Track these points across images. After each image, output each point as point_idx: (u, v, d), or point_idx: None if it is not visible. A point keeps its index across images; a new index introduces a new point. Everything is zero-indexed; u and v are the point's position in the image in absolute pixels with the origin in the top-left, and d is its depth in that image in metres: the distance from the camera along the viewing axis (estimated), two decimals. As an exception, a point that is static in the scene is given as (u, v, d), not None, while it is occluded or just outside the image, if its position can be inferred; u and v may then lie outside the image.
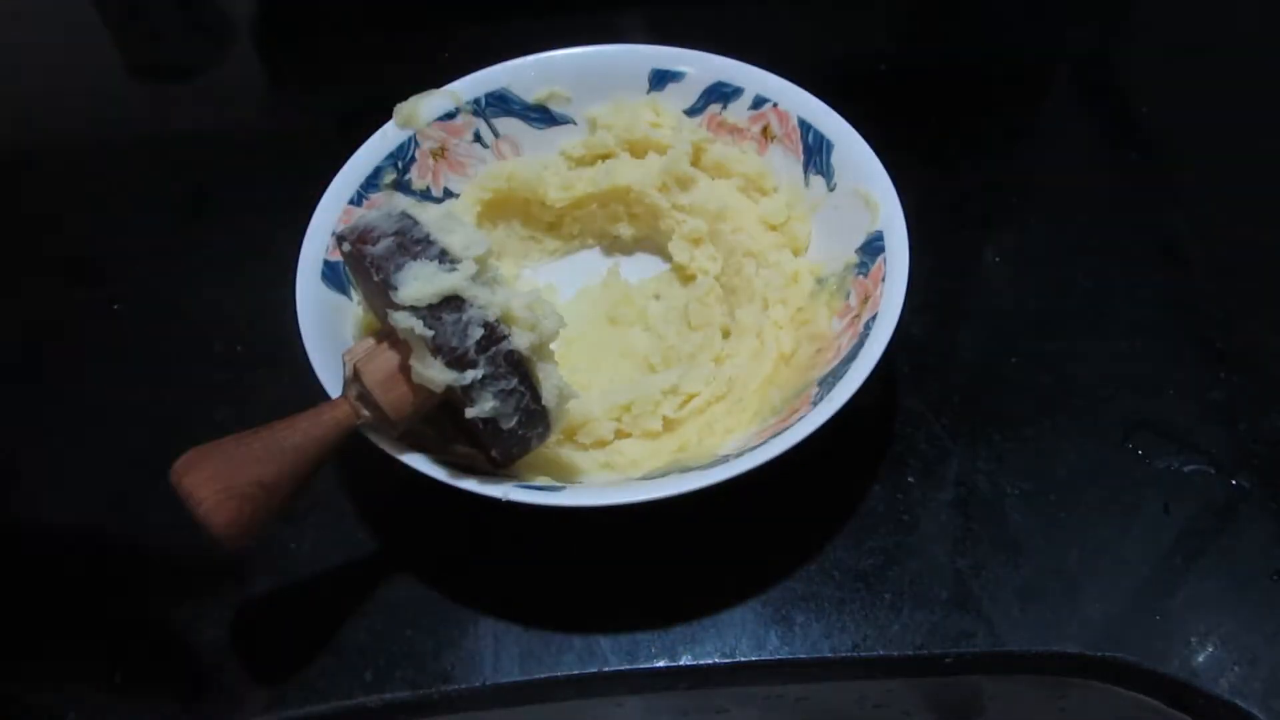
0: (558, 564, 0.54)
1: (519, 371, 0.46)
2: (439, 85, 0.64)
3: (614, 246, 0.68)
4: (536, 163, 0.66)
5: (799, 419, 0.49)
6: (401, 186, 0.63)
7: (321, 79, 0.85)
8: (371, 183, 0.62)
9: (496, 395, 0.45)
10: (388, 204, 0.53)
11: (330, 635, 0.52)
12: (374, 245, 0.46)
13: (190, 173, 0.76)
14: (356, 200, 0.61)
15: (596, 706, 0.54)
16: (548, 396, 0.47)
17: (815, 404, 0.50)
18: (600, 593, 0.53)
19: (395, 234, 0.46)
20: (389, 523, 0.56)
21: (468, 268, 0.45)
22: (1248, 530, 0.54)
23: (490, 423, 0.46)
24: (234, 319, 0.66)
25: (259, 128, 0.81)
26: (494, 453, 0.49)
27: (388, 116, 0.63)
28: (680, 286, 0.65)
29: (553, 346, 0.49)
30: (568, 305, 0.65)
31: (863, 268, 0.56)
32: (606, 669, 0.51)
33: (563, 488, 0.50)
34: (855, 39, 0.83)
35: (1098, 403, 0.59)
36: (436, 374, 0.45)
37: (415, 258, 0.45)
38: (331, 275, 0.57)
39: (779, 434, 0.49)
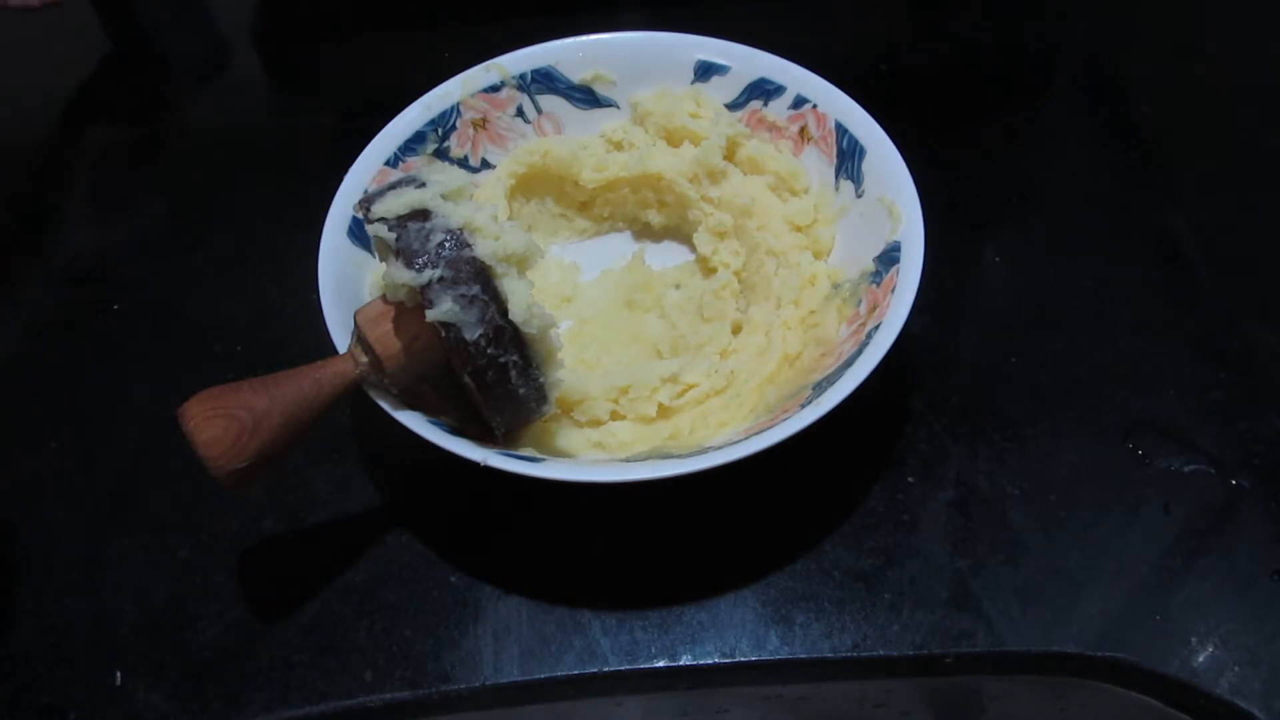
0: (557, 564, 0.55)
1: (481, 279, 0.47)
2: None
3: (644, 232, 0.68)
4: (574, 142, 0.66)
5: (785, 419, 0.49)
6: (440, 153, 0.64)
7: (321, 79, 0.86)
8: (410, 147, 0.62)
9: (457, 300, 0.46)
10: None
11: (330, 635, 0.52)
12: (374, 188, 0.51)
13: (190, 173, 0.76)
14: (393, 162, 0.61)
15: (596, 706, 0.54)
16: (516, 311, 0.47)
17: (804, 406, 0.50)
18: (601, 593, 0.53)
19: (391, 182, 0.51)
20: (388, 523, 0.56)
21: (436, 187, 0.49)
22: (1248, 530, 0.54)
23: (461, 344, 0.47)
24: (234, 319, 0.66)
25: (259, 128, 0.81)
26: (495, 420, 0.50)
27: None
28: (702, 278, 0.65)
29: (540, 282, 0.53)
30: (589, 285, 0.66)
31: (877, 276, 0.56)
32: (606, 669, 0.51)
33: (542, 460, 0.50)
34: (856, 39, 0.83)
35: (1098, 403, 0.59)
36: (398, 274, 0.47)
37: (395, 187, 0.49)
38: (358, 232, 0.58)
39: (762, 432, 0.49)
